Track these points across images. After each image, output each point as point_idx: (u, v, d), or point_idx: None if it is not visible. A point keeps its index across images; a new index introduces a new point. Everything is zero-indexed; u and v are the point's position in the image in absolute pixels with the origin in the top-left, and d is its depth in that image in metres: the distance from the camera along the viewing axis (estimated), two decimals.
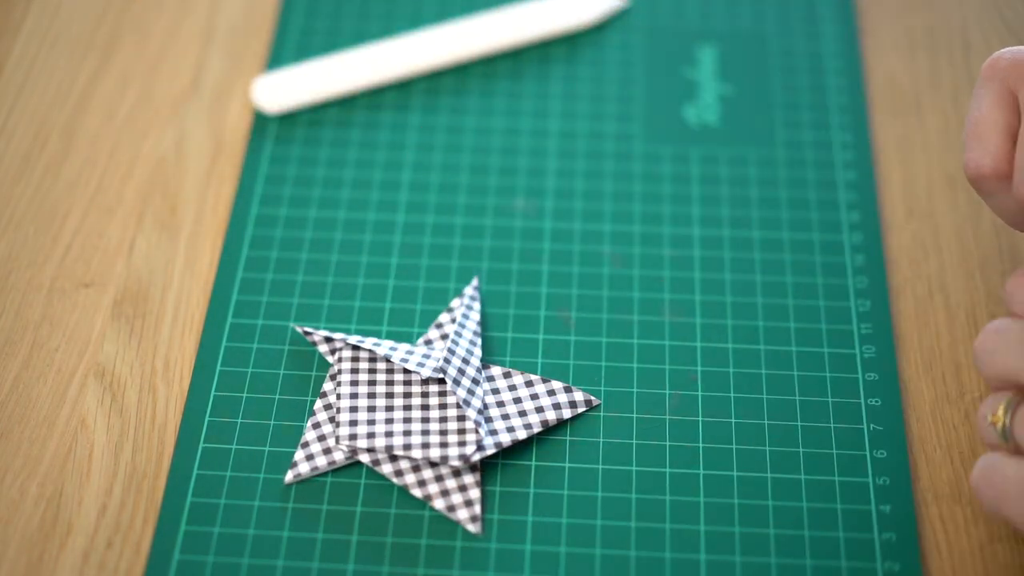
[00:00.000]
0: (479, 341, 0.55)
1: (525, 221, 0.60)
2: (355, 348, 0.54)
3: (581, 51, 0.67)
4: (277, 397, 0.54)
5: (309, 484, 0.51)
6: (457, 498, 0.50)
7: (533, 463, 0.52)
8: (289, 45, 0.67)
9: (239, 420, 0.53)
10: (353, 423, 0.52)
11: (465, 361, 0.54)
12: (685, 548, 0.49)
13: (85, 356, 0.55)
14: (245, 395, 0.54)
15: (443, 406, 0.53)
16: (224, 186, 0.61)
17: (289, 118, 0.63)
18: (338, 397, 0.53)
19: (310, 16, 0.68)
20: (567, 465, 0.52)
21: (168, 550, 0.49)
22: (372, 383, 0.53)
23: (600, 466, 0.51)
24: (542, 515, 0.50)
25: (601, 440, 0.52)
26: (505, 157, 0.62)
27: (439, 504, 0.50)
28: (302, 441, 0.52)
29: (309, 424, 0.53)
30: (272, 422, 0.53)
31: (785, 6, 0.69)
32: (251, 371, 0.54)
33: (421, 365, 0.53)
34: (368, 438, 0.51)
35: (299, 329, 0.55)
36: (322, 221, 0.59)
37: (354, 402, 0.53)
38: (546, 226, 0.60)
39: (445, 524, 0.50)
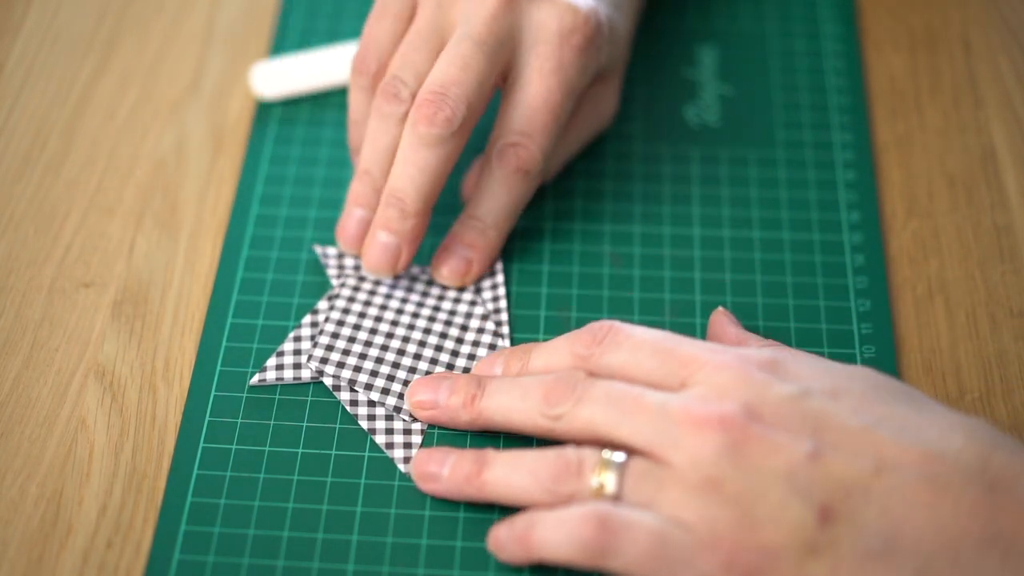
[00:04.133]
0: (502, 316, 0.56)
1: (524, 221, 0.60)
2: (360, 278, 0.56)
3: None
4: (277, 397, 0.53)
5: (310, 484, 0.51)
6: (398, 438, 0.52)
7: None
8: (289, 45, 0.66)
9: (239, 420, 0.53)
10: (330, 348, 0.54)
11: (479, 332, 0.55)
12: None
13: (85, 356, 0.55)
14: (245, 395, 0.53)
15: (417, 356, 0.54)
16: (224, 186, 0.61)
17: (289, 119, 0.63)
18: (326, 320, 0.54)
19: (310, 16, 0.68)
20: None
21: (168, 550, 0.49)
22: (362, 315, 0.55)
23: None
24: None
25: None
26: None
27: (380, 439, 0.51)
28: (279, 350, 0.54)
29: (291, 336, 0.54)
30: (272, 422, 0.53)
31: (785, 6, 0.69)
32: (251, 371, 0.54)
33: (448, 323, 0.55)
34: (337, 367, 0.53)
35: (317, 248, 0.57)
36: (322, 221, 0.59)
37: (339, 329, 0.54)
38: (547, 226, 0.60)
39: (445, 524, 0.50)
